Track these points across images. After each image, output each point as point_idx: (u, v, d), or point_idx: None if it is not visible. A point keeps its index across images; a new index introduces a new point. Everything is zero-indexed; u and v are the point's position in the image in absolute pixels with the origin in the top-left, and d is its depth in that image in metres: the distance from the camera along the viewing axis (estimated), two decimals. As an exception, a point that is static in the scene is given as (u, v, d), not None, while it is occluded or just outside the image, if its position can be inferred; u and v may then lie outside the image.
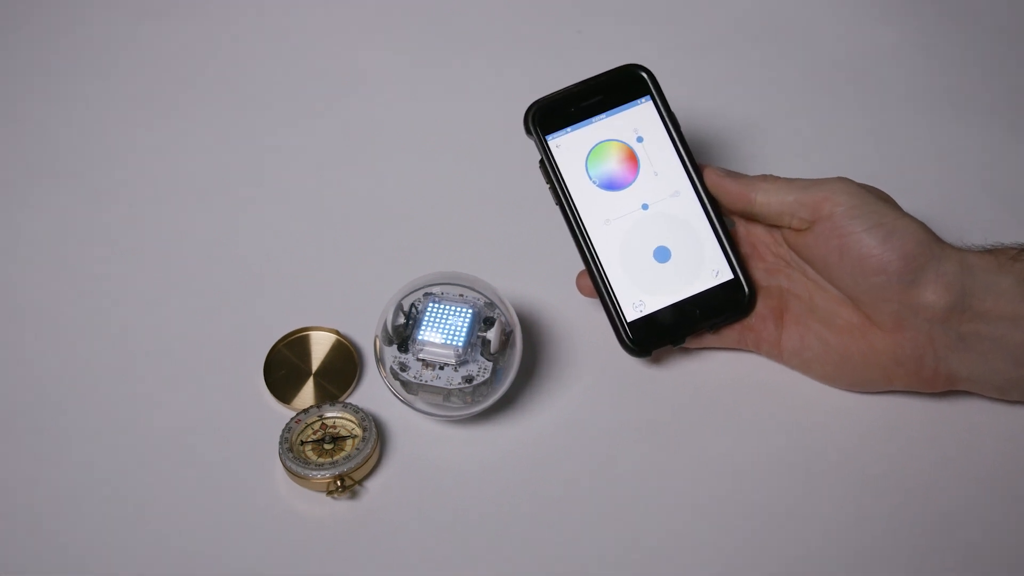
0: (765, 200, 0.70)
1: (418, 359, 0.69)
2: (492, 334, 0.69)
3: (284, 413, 0.72)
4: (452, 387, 0.69)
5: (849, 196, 0.67)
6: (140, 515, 0.68)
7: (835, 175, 0.69)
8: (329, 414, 0.71)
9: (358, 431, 0.70)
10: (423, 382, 0.69)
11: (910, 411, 0.71)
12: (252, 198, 0.84)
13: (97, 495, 0.69)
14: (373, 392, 0.73)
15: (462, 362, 0.69)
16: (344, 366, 0.74)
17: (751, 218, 0.72)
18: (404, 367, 0.69)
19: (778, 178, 0.70)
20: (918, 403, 0.71)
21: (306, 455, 0.69)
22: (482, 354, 0.69)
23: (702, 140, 0.85)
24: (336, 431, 0.70)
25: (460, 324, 0.69)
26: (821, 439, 0.70)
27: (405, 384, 0.69)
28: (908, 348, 0.67)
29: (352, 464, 0.68)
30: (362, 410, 0.71)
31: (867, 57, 0.91)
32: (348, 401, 0.72)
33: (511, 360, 0.70)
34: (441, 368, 0.69)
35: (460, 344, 0.69)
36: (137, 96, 0.90)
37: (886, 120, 0.87)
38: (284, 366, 0.74)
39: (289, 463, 0.68)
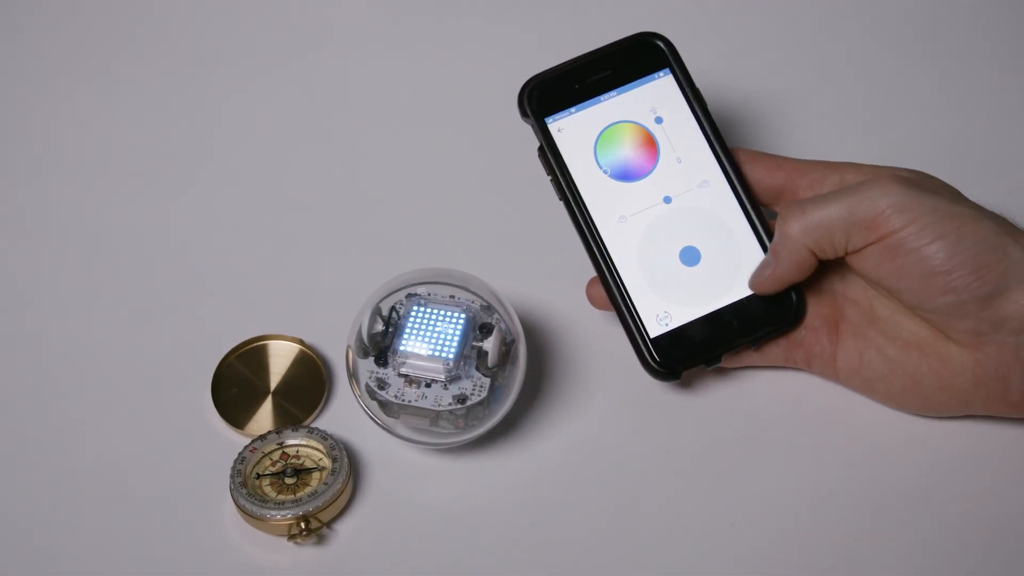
0: (816, 218, 0.68)
1: (400, 374, 0.69)
2: (489, 344, 0.69)
3: (237, 440, 0.72)
4: (441, 408, 0.69)
5: (898, 210, 0.66)
6: (61, 563, 0.69)
7: (904, 155, 0.69)
8: (291, 441, 0.71)
9: (326, 462, 0.70)
10: (406, 402, 0.69)
11: (993, 440, 0.71)
12: (196, 179, 0.84)
13: (8, 542, 0.69)
14: (344, 415, 0.73)
15: (453, 378, 0.69)
16: (309, 383, 0.74)
17: None
18: (383, 384, 0.70)
19: (817, 196, 0.69)
20: (1003, 430, 0.71)
21: (263, 491, 0.69)
22: (477, 368, 0.70)
23: (733, 117, 0.86)
24: (300, 462, 0.71)
25: (451, 332, 0.70)
26: (888, 474, 0.70)
27: (384, 405, 0.70)
28: (990, 366, 0.67)
29: (319, 502, 0.68)
30: (331, 437, 0.71)
31: (943, 8, 0.91)
32: (314, 426, 0.72)
33: (512, 376, 0.70)
34: (428, 385, 0.69)
35: (451, 356, 0.69)
36: (55, 56, 0.90)
37: (967, 86, 0.87)
38: (236, 383, 0.74)
39: (243, 501, 0.68)
